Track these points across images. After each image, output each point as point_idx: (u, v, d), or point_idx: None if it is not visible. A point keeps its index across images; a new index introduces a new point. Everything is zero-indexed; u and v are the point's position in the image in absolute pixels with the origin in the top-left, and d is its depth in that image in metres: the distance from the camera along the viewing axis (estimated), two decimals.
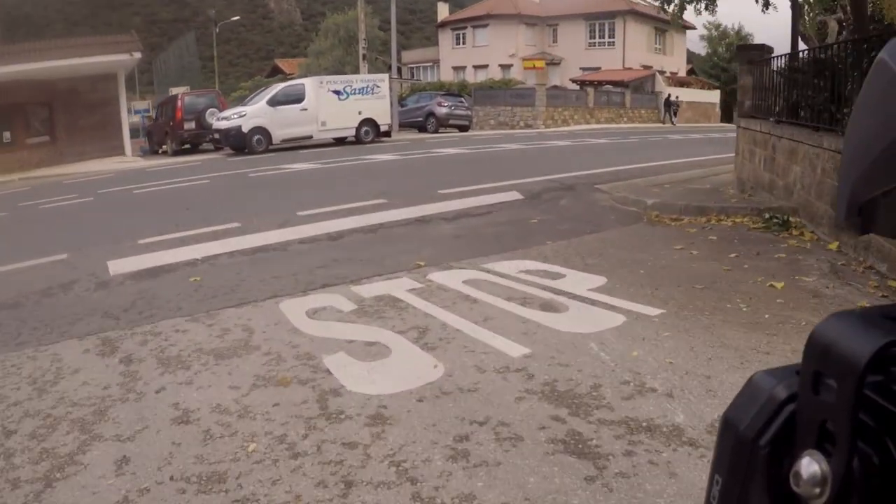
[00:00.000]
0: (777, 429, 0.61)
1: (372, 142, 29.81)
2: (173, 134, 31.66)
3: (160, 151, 34.88)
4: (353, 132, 29.77)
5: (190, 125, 31.03)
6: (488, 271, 7.82)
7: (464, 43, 63.86)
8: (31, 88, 32.84)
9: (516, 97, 45.88)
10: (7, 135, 32.98)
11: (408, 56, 67.83)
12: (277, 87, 29.75)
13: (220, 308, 6.98)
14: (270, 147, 27.66)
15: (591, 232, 9.92)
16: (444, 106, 38.09)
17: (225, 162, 25.07)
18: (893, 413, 0.56)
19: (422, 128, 37.89)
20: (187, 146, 32.35)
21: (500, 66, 59.40)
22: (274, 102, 27.95)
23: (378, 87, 30.94)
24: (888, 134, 0.59)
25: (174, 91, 48.84)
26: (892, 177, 0.60)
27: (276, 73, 74.43)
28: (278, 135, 27.86)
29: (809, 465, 0.57)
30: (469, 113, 40.14)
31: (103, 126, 35.10)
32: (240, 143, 27.35)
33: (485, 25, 62.04)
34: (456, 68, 62.67)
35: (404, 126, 37.72)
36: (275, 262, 9.02)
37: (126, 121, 34.77)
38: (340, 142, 30.19)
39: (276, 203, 13.70)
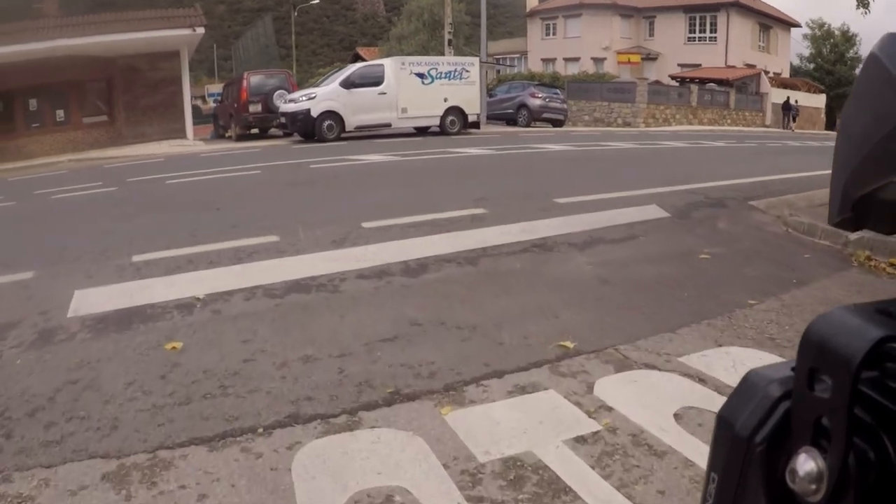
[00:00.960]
0: (773, 426, 0.61)
1: (458, 133, 26.17)
2: (237, 117, 28.43)
3: (226, 136, 32.02)
4: (437, 121, 26.16)
5: (256, 108, 27.71)
6: (695, 376, 4.33)
7: (554, 34, 60.32)
8: (88, 65, 30.31)
9: (614, 92, 42.50)
10: (61, 113, 30.51)
11: (493, 48, 63.96)
12: (353, 68, 26.28)
13: (183, 445, 3.60)
14: (343, 135, 24.30)
15: (798, 283, 6.63)
16: (539, 98, 34.20)
17: (288, 150, 21.91)
18: (889, 409, 0.56)
19: (511, 121, 34.13)
20: (254, 131, 29.25)
21: (593, 59, 55.67)
22: (348, 84, 24.42)
23: (467, 71, 27.11)
24: (880, 130, 0.59)
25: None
26: (885, 173, 0.60)
27: (357, 62, 71.86)
28: (352, 121, 24.42)
29: (805, 462, 0.57)
30: (565, 107, 36.14)
31: (165, 107, 32.44)
32: (308, 128, 24.04)
33: (577, 15, 58.13)
34: (545, 60, 58.87)
35: (491, 119, 33.78)
36: (313, 318, 5.62)
37: (188, 102, 31.87)
38: (422, 132, 26.71)
39: (338, 206, 10.47)
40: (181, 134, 31.81)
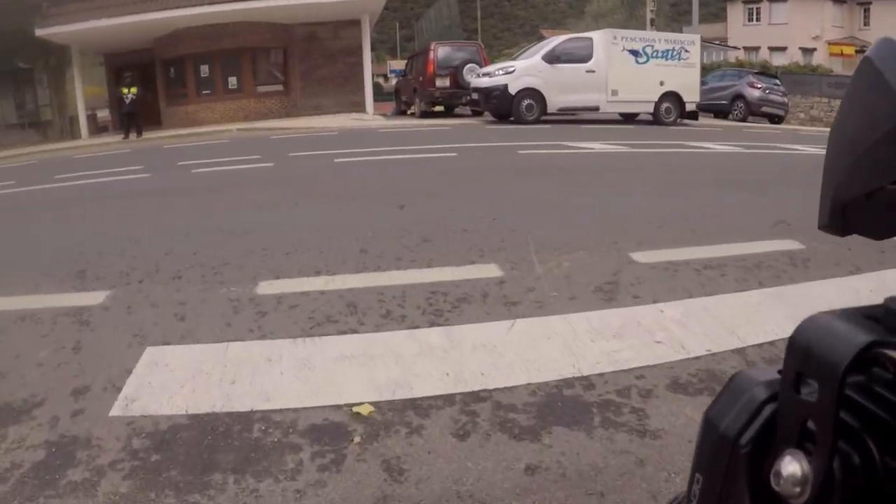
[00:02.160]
0: (758, 428, 0.61)
1: (673, 123, 22.06)
2: (423, 92, 25.24)
3: (408, 112, 29.01)
4: (650, 108, 22.09)
5: (443, 82, 24.56)
6: None
7: (757, 19, 54.83)
8: (265, 31, 28.27)
9: (836, 87, 37.14)
10: (233, 80, 28.45)
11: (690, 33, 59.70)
12: (556, 40, 22.21)
13: None
14: (543, 116, 20.81)
15: None
16: (758, 88, 29.61)
17: (482, 130, 18.61)
18: (875, 413, 0.56)
19: (722, 113, 29.65)
20: (438, 108, 26.08)
21: (801, 49, 50.17)
22: (552, 59, 20.77)
23: (686, 51, 22.81)
24: (872, 134, 0.59)
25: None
26: (876, 177, 0.60)
27: None
28: (555, 101, 20.75)
29: (790, 465, 0.57)
30: (785, 100, 31.29)
31: (344, 78, 30.01)
32: (504, 107, 20.62)
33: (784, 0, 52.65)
34: (747, 49, 53.51)
35: (699, 109, 28.44)
36: None
37: (369, 73, 29.30)
38: (629, 119, 22.98)
39: (575, 216, 6.91)
40: (360, 107, 29.27)
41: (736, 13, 56.45)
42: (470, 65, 24.19)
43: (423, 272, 4.87)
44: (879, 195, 0.60)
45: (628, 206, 7.31)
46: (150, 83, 29.75)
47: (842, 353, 0.54)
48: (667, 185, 9.12)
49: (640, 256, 5.17)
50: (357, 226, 6.41)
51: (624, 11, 47.89)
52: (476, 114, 24.44)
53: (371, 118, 25.10)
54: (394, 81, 36.14)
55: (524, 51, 23.50)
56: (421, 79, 25.22)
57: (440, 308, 4.16)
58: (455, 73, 24.33)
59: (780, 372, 0.60)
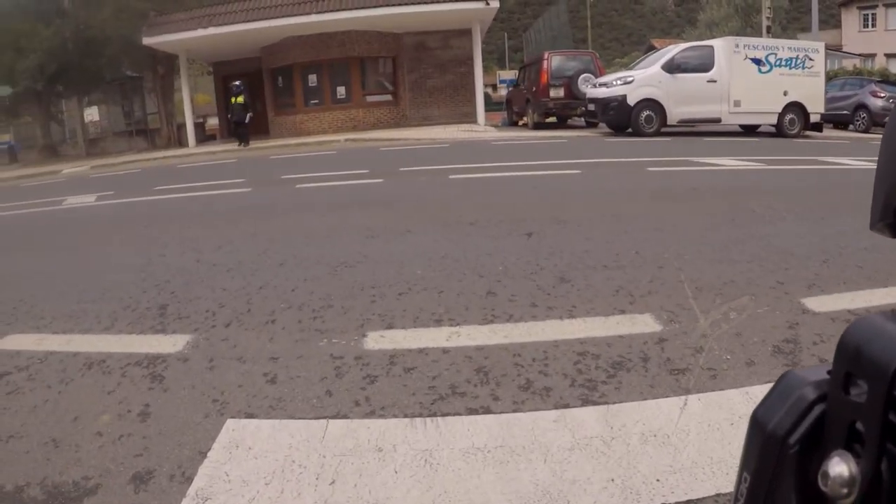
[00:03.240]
0: (806, 428, 0.60)
1: (797, 136, 20.48)
2: (536, 102, 24.36)
3: (519, 123, 28.14)
4: (773, 119, 20.58)
5: (557, 92, 23.61)
6: None
7: (873, 25, 52.00)
8: (373, 40, 27.82)
9: None
10: (342, 90, 28.05)
11: (807, 40, 57.30)
12: (676, 49, 20.82)
13: None
14: (663, 129, 19.64)
15: None
16: (881, 97, 27.14)
17: (601, 143, 17.53)
18: None
19: (842, 124, 27.63)
20: (551, 119, 25.16)
21: None
22: (671, 68, 19.61)
23: (811, 59, 21.09)
24: None
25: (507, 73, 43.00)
26: None
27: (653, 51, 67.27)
28: (675, 113, 19.57)
29: (838, 465, 0.56)
30: None
31: (455, 89, 29.37)
32: (622, 118, 19.52)
33: None
34: (862, 55, 50.91)
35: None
36: None
37: (480, 84, 28.28)
38: (749, 131, 21.60)
39: (731, 252, 5.66)
40: (470, 118, 28.54)
41: (851, 19, 53.80)
42: (585, 75, 23.21)
43: (566, 325, 3.94)
44: None
45: (781, 235, 6.19)
46: (258, 92, 29.61)
47: (892, 353, 0.53)
48: (817, 209, 7.92)
49: (815, 304, 4.18)
50: (480, 258, 5.51)
51: (738, 19, 46.07)
52: (590, 125, 23.51)
53: (483, 129, 24.27)
54: (502, 92, 35.28)
55: (640, 60, 22.37)
56: (534, 89, 24.35)
57: (593, 378, 3.24)
58: (569, 83, 23.39)
59: (829, 372, 0.60)
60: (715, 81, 19.63)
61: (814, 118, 21.37)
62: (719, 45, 20.30)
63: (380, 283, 4.91)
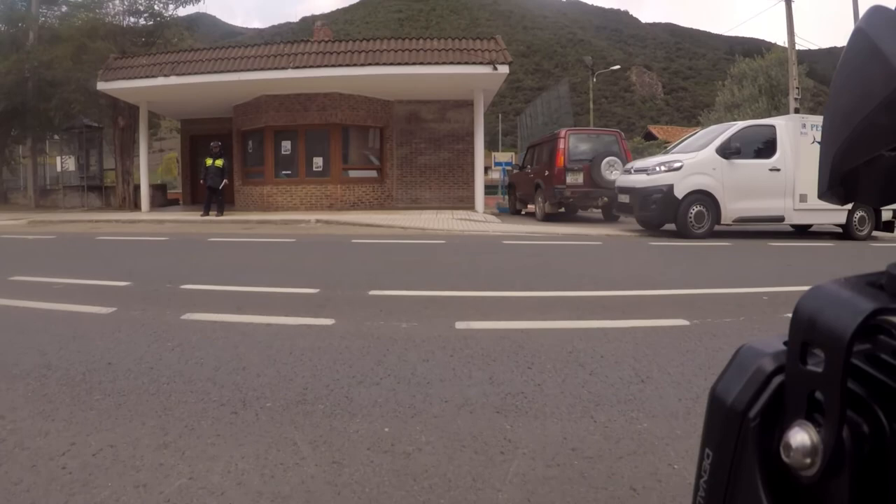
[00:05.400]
0: (766, 401, 0.62)
1: (867, 237, 16.59)
2: (548, 189, 20.15)
3: (522, 212, 24.50)
4: (841, 218, 16.52)
5: (575, 178, 19.52)
6: None
7: None
8: (359, 106, 24.04)
9: None
10: (319, 161, 24.13)
11: None
12: (733, 128, 16.34)
13: None
14: (716, 228, 15.65)
15: None
16: None
17: (648, 249, 13.07)
18: (882, 381, 0.57)
19: None
20: (560, 209, 20.73)
21: None
22: (728, 152, 15.44)
23: None
24: (867, 104, 0.59)
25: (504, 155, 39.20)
26: (872, 147, 0.61)
27: (650, 139, 64.45)
28: (732, 209, 15.51)
29: (799, 436, 0.57)
30: None
31: (449, 168, 25.58)
32: (667, 214, 15.50)
33: None
34: None
35: None
36: None
37: (480, 166, 24.08)
38: (801, 231, 17.76)
39: None
40: (466, 203, 24.66)
41: None
42: (609, 158, 19.21)
43: None
44: (877, 163, 0.61)
45: None
46: (227, 157, 25.62)
47: (847, 321, 0.54)
48: None
49: None
50: None
51: (764, 100, 42.46)
52: (610, 218, 19.87)
53: (482, 219, 20.12)
54: (496, 175, 31.19)
55: (682, 141, 18.15)
56: (546, 173, 20.32)
57: None
58: (589, 167, 19.38)
59: (785, 343, 0.60)
60: (778, 170, 15.69)
61: (885, 215, 17.32)
62: (783, 124, 16.24)
63: None
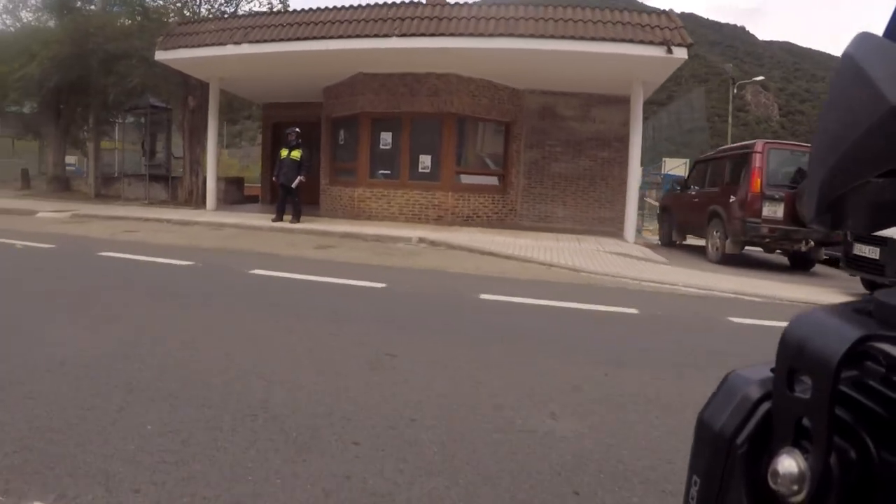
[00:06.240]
0: (753, 427, 0.62)
1: None
2: (733, 221, 14.46)
3: (678, 243, 19.18)
4: None
5: (774, 210, 13.81)
6: None
7: None
8: (481, 92, 18.89)
9: None
10: (426, 160, 18.83)
11: None
12: None
13: None
14: None
15: None
16: None
17: None
18: (870, 408, 0.57)
19: None
20: (742, 249, 15.17)
21: None
22: None
23: None
24: (854, 131, 0.59)
25: (670, 165, 33.70)
26: (860, 173, 0.60)
27: None
28: None
29: (787, 463, 0.57)
30: None
31: (591, 181, 20.13)
32: None
33: None
34: None
35: None
36: None
37: (635, 181, 18.39)
38: None
39: None
40: (610, 227, 19.33)
41: None
42: None
43: None
44: (865, 190, 0.61)
45: None
46: (314, 149, 20.83)
47: (834, 348, 0.54)
48: None
49: None
50: None
51: None
52: (800, 266, 14.91)
53: (641, 253, 14.62)
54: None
55: None
56: (732, 200, 14.65)
57: None
58: (794, 196, 13.85)
59: (773, 370, 0.60)
60: None
61: None
62: None
63: None
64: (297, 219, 17.19)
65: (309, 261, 11.12)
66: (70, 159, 34.89)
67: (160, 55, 19.10)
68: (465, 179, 19.06)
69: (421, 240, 14.39)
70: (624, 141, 18.93)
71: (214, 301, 7.59)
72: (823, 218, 0.64)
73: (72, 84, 25.13)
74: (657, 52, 15.75)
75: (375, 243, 14.19)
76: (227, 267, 10.05)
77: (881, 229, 0.65)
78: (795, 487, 0.55)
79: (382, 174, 19.18)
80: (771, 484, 0.57)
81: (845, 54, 0.60)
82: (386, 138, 19.00)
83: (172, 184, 25.90)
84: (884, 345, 0.56)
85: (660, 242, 19.74)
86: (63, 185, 29.58)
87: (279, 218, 17.35)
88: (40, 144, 33.24)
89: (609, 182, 19.96)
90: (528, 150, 20.12)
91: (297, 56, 17.38)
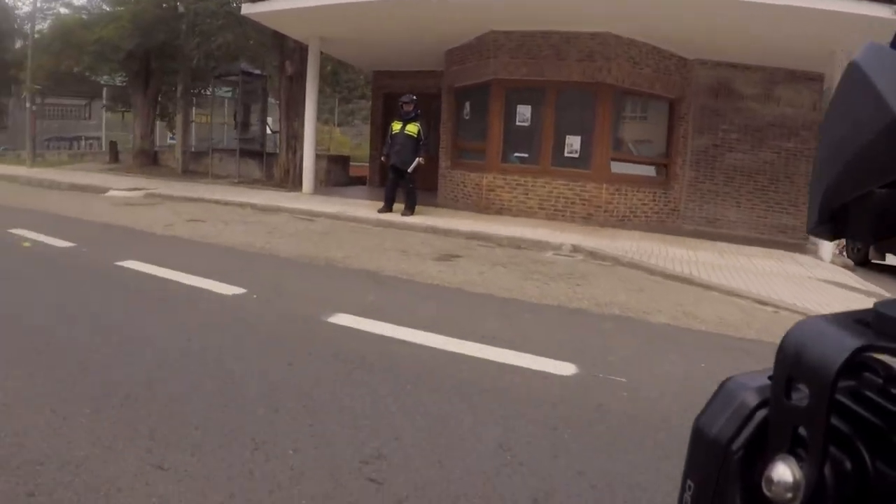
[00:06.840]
0: (749, 434, 0.61)
1: None
2: None
3: (872, 260, 15.73)
4: None
5: None
6: None
7: None
8: (644, 60, 15.22)
9: None
10: (574, 143, 15.06)
11: None
12: None
13: None
14: None
15: None
16: None
17: None
18: (866, 418, 0.57)
19: None
20: None
21: None
22: None
23: None
24: (859, 139, 0.59)
25: None
26: (864, 182, 0.60)
27: None
28: None
29: (782, 471, 0.57)
30: None
31: (772, 177, 16.13)
32: None
33: None
34: None
35: None
36: None
37: None
38: None
39: None
40: (792, 237, 15.50)
41: None
42: None
43: None
44: (868, 199, 0.60)
45: None
46: (432, 125, 17.51)
47: (832, 357, 0.54)
48: None
49: None
50: None
51: None
52: None
53: (851, 279, 10.77)
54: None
55: None
56: None
57: None
58: None
59: (770, 377, 0.60)
60: None
61: None
62: None
63: None
64: (410, 210, 13.99)
65: (430, 288, 7.65)
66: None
67: (247, 8, 15.94)
68: (619, 168, 15.24)
69: (575, 248, 10.83)
70: (815, 129, 15.07)
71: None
72: (824, 227, 0.64)
73: (159, 49, 23.13)
74: (881, 11, 11.68)
75: (513, 251, 10.75)
76: (294, 306, 6.45)
77: (883, 240, 0.63)
78: (789, 495, 0.55)
79: (518, 157, 15.49)
80: (765, 491, 0.56)
81: (852, 63, 0.59)
82: (524, 113, 15.28)
83: (268, 161, 23.12)
84: (882, 355, 0.56)
85: (853, 261, 15.72)
86: (150, 160, 27.58)
87: (387, 208, 14.14)
88: (133, 116, 31.01)
89: (794, 181, 15.88)
90: (696, 135, 16.15)
91: (410, 6, 13.87)
